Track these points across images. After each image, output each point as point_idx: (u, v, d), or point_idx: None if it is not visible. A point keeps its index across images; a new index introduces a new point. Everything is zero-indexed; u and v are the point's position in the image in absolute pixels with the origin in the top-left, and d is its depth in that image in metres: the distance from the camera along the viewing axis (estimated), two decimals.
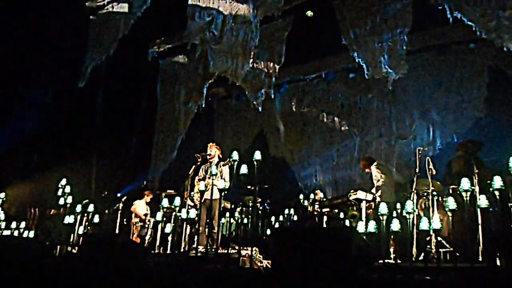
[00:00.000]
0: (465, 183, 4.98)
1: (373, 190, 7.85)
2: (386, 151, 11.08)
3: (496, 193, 4.78)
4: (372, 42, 9.18)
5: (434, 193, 6.42)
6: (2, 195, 9.35)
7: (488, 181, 5.09)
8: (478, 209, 5.19)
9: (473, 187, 5.30)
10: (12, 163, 11.63)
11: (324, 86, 12.43)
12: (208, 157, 7.45)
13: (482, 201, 5.06)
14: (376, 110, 11.50)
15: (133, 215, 10.13)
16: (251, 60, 9.92)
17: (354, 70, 11.38)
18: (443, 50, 10.64)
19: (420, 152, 6.76)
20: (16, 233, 8.20)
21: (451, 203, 5.03)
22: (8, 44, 10.99)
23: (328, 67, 12.20)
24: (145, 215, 10.11)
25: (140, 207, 10.23)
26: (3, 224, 8.50)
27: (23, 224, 8.40)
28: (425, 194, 6.62)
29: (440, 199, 6.50)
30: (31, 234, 8.21)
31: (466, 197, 4.93)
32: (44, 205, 10.32)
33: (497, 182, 4.78)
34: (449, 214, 5.03)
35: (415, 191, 6.53)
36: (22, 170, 12.05)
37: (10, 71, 11.18)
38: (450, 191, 6.28)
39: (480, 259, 5.20)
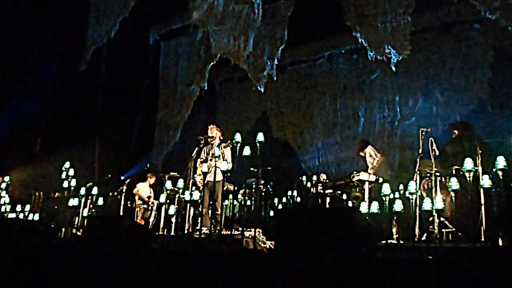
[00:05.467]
0: (468, 163, 4.97)
1: (369, 170, 7.86)
2: (390, 132, 11.06)
3: (499, 173, 4.76)
4: (376, 22, 9.09)
5: (437, 173, 6.41)
6: (7, 178, 9.39)
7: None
8: (481, 189, 5.19)
9: (476, 168, 5.29)
10: (16, 146, 11.66)
11: (327, 67, 12.37)
12: (209, 139, 7.44)
13: (485, 181, 5.05)
14: (379, 91, 11.46)
15: (136, 197, 10.19)
16: (253, 41, 9.85)
17: (357, 51, 11.33)
18: (447, 30, 10.53)
19: (423, 133, 6.71)
20: (21, 216, 8.25)
21: (454, 183, 5.02)
22: (9, 28, 10.94)
23: (331, 48, 12.12)
24: (148, 197, 10.17)
25: (143, 189, 10.28)
26: (8, 208, 8.56)
27: (27, 207, 8.45)
28: (428, 174, 6.61)
29: (443, 180, 6.49)
30: (36, 217, 8.25)
31: (469, 177, 4.92)
32: (48, 188, 10.38)
33: (501, 162, 4.76)
34: (452, 194, 5.02)
35: (418, 172, 6.52)
36: (26, 154, 12.09)
37: (12, 55, 11.15)
38: (453, 172, 6.26)
39: (483, 239, 5.21)
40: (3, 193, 9.05)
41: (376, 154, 8.08)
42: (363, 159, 8.47)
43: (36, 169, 11.59)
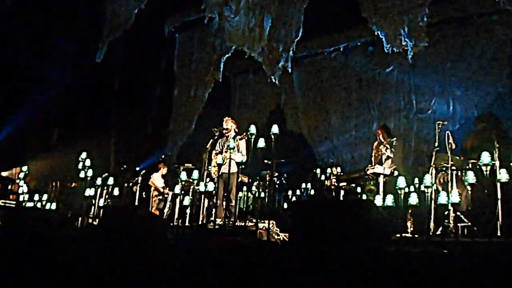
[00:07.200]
0: (485, 157, 4.91)
1: (387, 164, 7.74)
2: (405, 125, 10.96)
3: None
4: (392, 14, 8.98)
5: (453, 167, 6.33)
6: (25, 168, 9.54)
7: None
8: (498, 183, 5.12)
9: (493, 162, 5.22)
10: (34, 138, 11.82)
11: (342, 60, 12.27)
12: (224, 131, 7.47)
13: (503, 175, 4.99)
14: (395, 84, 11.35)
15: (152, 188, 10.27)
16: (268, 33, 9.82)
17: (373, 43, 11.22)
18: (464, 22, 10.37)
19: (439, 126, 6.60)
20: (38, 205, 8.39)
21: (470, 177, 4.96)
22: (27, 20, 11.05)
23: (346, 40, 12.03)
24: (163, 187, 10.24)
25: (157, 179, 10.36)
26: (26, 197, 8.70)
27: (45, 197, 8.59)
28: (444, 168, 6.52)
29: (459, 174, 6.41)
30: (53, 206, 8.38)
31: (486, 171, 4.86)
32: (65, 178, 10.52)
33: None
34: (468, 188, 4.97)
35: (434, 166, 6.44)
36: (43, 145, 12.25)
37: (29, 46, 11.27)
38: (470, 165, 6.18)
39: (499, 234, 5.16)
40: (21, 183, 9.21)
41: (392, 150, 7.84)
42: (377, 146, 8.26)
43: (53, 159, 11.74)
